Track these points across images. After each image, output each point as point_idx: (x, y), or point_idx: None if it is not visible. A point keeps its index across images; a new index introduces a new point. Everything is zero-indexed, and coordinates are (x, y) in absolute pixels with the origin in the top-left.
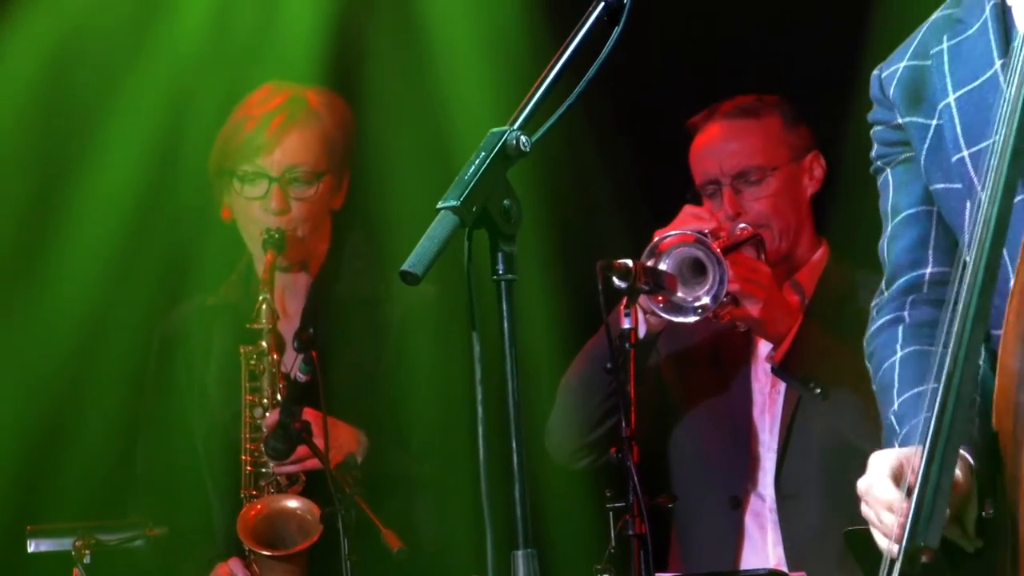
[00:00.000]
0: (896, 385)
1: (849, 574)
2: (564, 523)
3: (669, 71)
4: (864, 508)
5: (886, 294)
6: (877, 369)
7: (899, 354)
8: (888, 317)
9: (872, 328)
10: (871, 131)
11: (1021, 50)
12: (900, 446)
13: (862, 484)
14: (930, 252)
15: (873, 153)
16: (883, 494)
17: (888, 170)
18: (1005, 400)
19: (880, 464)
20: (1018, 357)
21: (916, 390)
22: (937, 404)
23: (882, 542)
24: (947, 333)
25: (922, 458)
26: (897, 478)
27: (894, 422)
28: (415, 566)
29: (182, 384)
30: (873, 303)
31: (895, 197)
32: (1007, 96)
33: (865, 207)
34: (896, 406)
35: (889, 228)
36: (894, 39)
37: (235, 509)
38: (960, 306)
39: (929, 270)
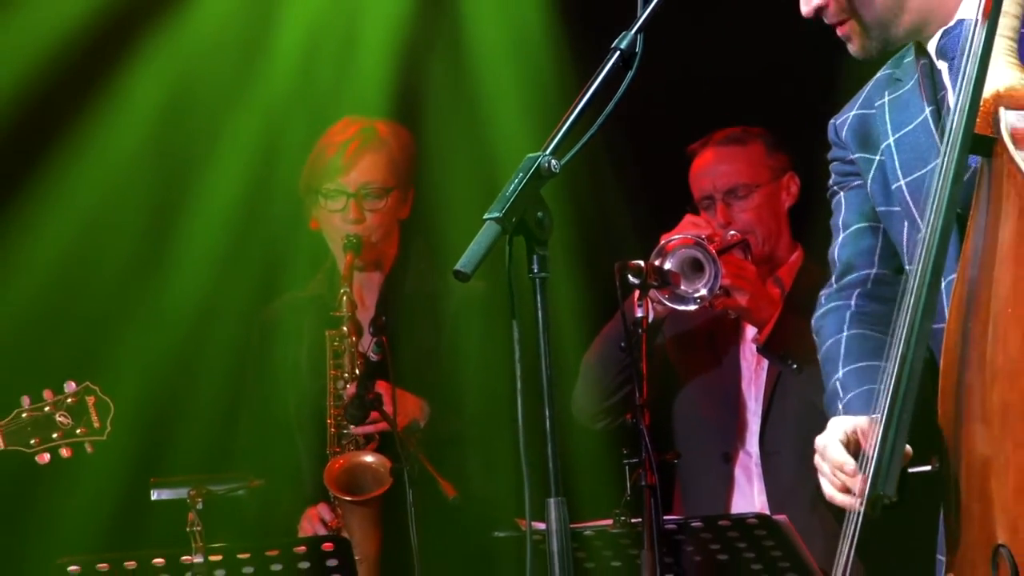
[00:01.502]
0: (841, 358)
1: (820, 517)
2: (588, 475)
3: (672, 106)
4: (817, 461)
5: (835, 286)
6: (823, 343)
7: (845, 333)
8: (836, 303)
9: (820, 311)
10: (830, 166)
11: (961, 92)
12: (843, 410)
13: (819, 442)
14: (876, 258)
15: (830, 181)
16: (835, 456)
17: (842, 193)
18: (948, 383)
19: (835, 429)
20: (958, 347)
21: (857, 364)
22: (893, 379)
23: (828, 490)
24: (899, 324)
25: (881, 423)
26: (847, 443)
27: (838, 388)
28: (466, 511)
29: (278, 362)
30: (821, 293)
31: (846, 214)
32: (950, 128)
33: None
34: (840, 375)
35: (840, 238)
36: (858, 80)
37: (321, 463)
38: (911, 301)
39: (874, 271)
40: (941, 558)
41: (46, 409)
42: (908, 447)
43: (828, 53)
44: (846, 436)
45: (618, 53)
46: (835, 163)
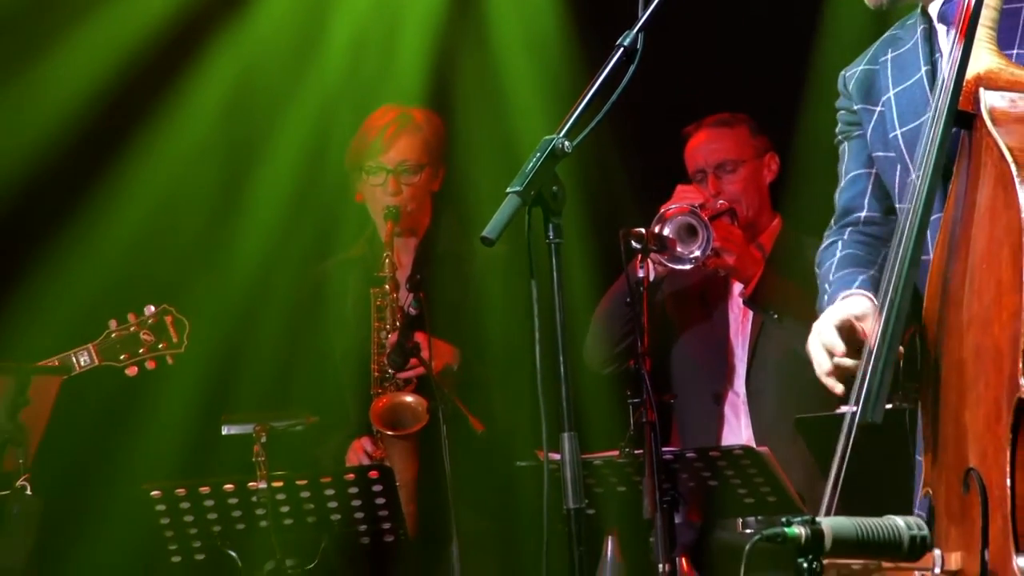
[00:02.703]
0: (831, 272)
1: (798, 448)
2: (597, 413)
3: (671, 94)
4: (811, 342)
5: (834, 227)
6: (820, 267)
7: (836, 256)
8: (832, 239)
9: (822, 246)
10: (837, 114)
11: (946, 74)
12: (828, 297)
13: (814, 328)
14: (866, 201)
15: (837, 129)
16: (827, 338)
17: (846, 142)
18: (931, 318)
19: (829, 315)
20: (939, 291)
21: (844, 271)
22: (882, 321)
23: (818, 371)
24: (889, 269)
25: (869, 359)
26: (840, 328)
27: (827, 287)
28: (492, 443)
29: (328, 315)
30: (825, 233)
31: (848, 162)
32: (937, 104)
33: (806, 193)
34: (829, 282)
35: (841, 183)
36: (829, 77)
37: (366, 403)
38: (899, 252)
39: (864, 214)
40: (919, 458)
41: (131, 329)
42: (900, 348)
43: (803, 55)
44: (840, 321)
45: (622, 49)
46: (841, 112)
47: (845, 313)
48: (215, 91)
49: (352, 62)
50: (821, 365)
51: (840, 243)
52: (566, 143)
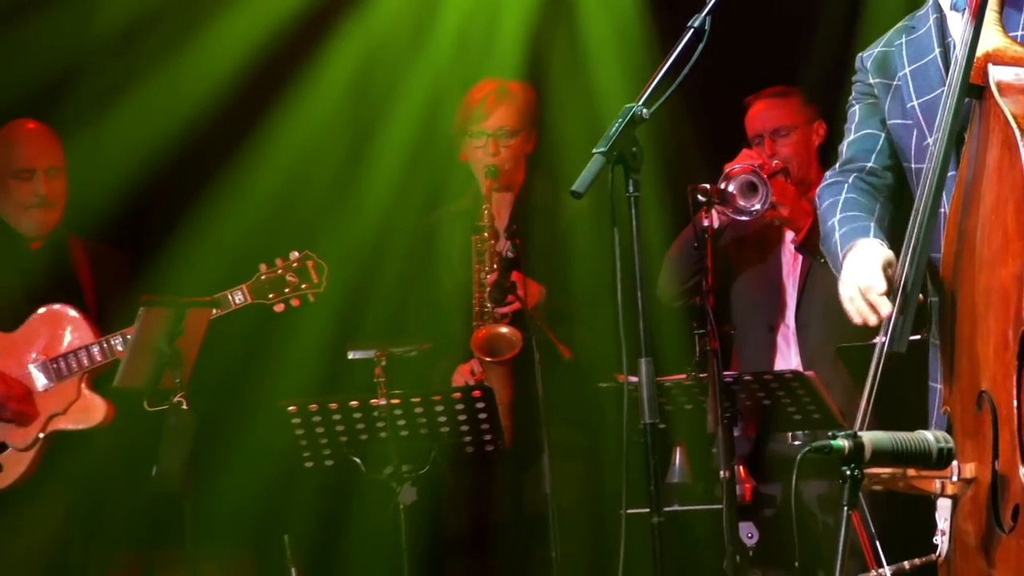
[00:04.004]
0: (838, 209)
1: (838, 373)
2: (669, 342)
3: (735, 69)
4: (846, 286)
5: (837, 170)
6: (822, 204)
7: (841, 196)
8: (836, 179)
9: (824, 184)
10: (853, 86)
11: (959, 53)
12: (840, 242)
13: (859, 276)
14: (874, 156)
15: (851, 97)
16: (868, 279)
17: (857, 106)
18: (947, 264)
19: (865, 258)
20: (955, 241)
21: (848, 214)
22: (907, 266)
23: (850, 308)
24: (912, 219)
25: (895, 299)
26: (879, 272)
27: (836, 226)
28: (577, 368)
29: (438, 258)
30: (827, 174)
31: (859, 122)
32: (952, 78)
33: None
34: (837, 220)
35: (849, 137)
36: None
37: (469, 333)
38: (920, 207)
39: (869, 165)
40: (934, 385)
41: (278, 272)
42: (921, 295)
43: (848, 39)
44: (884, 262)
45: (692, 30)
46: (857, 84)
47: (879, 260)
48: (344, 69)
49: (459, 43)
50: (854, 300)
51: (845, 185)
52: (644, 110)
